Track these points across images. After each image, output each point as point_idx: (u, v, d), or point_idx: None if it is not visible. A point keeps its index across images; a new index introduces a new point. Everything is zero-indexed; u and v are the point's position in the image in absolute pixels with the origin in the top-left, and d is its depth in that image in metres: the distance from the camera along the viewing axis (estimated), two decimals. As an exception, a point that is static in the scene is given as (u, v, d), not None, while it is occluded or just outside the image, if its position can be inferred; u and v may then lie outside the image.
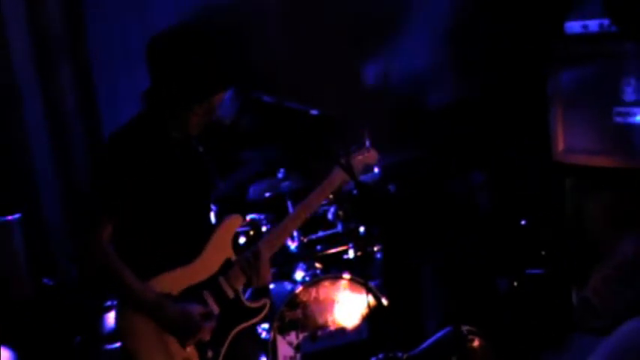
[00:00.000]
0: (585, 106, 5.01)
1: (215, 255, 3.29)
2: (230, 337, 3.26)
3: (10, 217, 4.46)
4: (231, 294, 3.28)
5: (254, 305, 3.35)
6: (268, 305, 3.38)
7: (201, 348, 3.18)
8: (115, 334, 3.21)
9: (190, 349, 3.16)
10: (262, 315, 3.36)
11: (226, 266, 3.30)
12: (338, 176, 3.56)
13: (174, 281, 3.17)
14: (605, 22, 4.88)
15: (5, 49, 4.81)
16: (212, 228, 3.35)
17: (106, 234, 3.08)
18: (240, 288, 3.32)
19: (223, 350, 3.23)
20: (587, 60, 4.99)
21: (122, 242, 3.14)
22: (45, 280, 4.56)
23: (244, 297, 3.34)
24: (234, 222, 3.41)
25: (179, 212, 3.22)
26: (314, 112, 3.44)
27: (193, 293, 3.20)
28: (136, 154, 3.12)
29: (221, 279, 3.28)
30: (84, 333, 4.42)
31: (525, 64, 5.17)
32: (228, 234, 3.36)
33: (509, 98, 5.29)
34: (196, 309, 3.17)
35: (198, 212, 3.34)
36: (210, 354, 3.19)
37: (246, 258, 3.33)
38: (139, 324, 3.11)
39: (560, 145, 5.12)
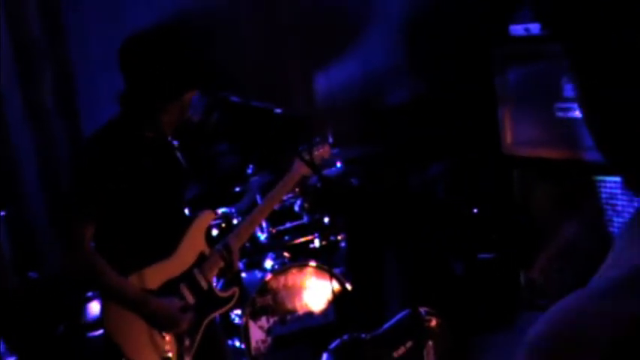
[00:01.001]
0: (530, 103, 5.07)
1: (190, 249, 3.27)
2: (204, 325, 3.24)
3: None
4: (205, 285, 3.27)
5: (225, 294, 3.33)
6: (237, 293, 3.36)
7: (179, 337, 3.17)
8: (99, 324, 3.17)
9: (169, 338, 3.14)
10: (232, 303, 3.35)
11: (200, 259, 3.28)
12: (299, 170, 3.56)
13: (153, 276, 3.14)
14: (547, 24, 4.93)
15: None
16: (186, 223, 3.32)
17: (88, 235, 3.03)
18: (212, 279, 3.30)
19: (198, 337, 3.21)
20: (530, 60, 5.05)
21: (102, 240, 3.10)
22: (30, 274, 4.51)
23: (216, 287, 3.32)
24: (206, 217, 3.38)
25: (156, 210, 3.18)
26: (278, 110, 3.43)
27: (171, 287, 3.18)
28: (113, 156, 3.06)
29: (196, 271, 3.26)
30: (67, 322, 4.38)
31: (474, 64, 5.20)
32: (202, 229, 3.34)
33: (461, 96, 5.33)
34: (176, 303, 3.15)
35: (173, 209, 3.32)
36: (187, 342, 3.18)
37: (218, 251, 3.31)
38: (123, 315, 3.08)
39: (509, 139, 5.17)
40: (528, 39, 5.01)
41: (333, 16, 5.45)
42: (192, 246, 3.27)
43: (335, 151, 4.07)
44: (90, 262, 3.03)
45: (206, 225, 3.37)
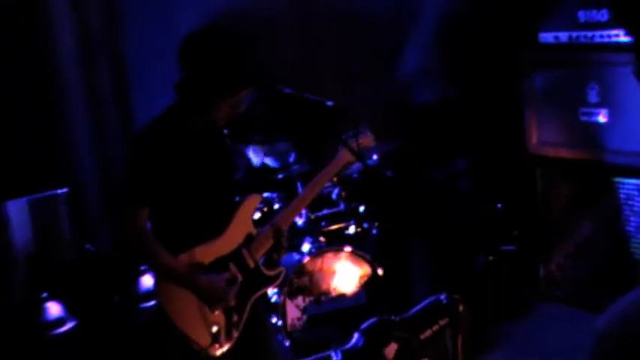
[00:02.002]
0: (555, 106, 5.03)
1: (238, 230, 3.24)
2: (251, 302, 3.21)
3: (58, 191, 4.41)
4: (252, 264, 3.23)
5: (271, 273, 3.30)
6: (284, 273, 3.33)
7: (227, 312, 3.14)
8: (152, 296, 3.14)
9: (218, 313, 3.11)
10: (278, 281, 3.31)
11: (248, 240, 3.25)
12: (343, 158, 3.51)
13: (203, 254, 3.11)
14: (574, 34, 4.86)
15: (53, 44, 4.71)
16: (235, 206, 3.29)
17: (143, 217, 3.01)
18: (259, 258, 3.27)
19: (246, 313, 3.18)
20: (558, 66, 5.00)
21: (157, 221, 3.08)
22: (87, 247, 4.51)
23: (263, 267, 3.29)
24: (254, 201, 3.35)
25: (206, 193, 3.15)
26: (329, 103, 3.37)
27: (220, 265, 3.15)
28: (167, 142, 3.04)
29: (244, 251, 3.23)
30: (121, 292, 4.38)
31: (505, 68, 5.13)
32: (249, 211, 3.30)
33: (490, 98, 5.26)
34: (223, 280, 3.12)
35: (223, 193, 3.27)
36: (235, 317, 3.15)
37: (267, 232, 3.28)
38: (174, 290, 3.06)
39: (533, 139, 5.12)
40: (557, 47, 4.95)
41: (367, 17, 5.39)
42: (240, 227, 3.24)
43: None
44: (142, 242, 3.01)
45: (253, 208, 3.33)
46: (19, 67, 4.54)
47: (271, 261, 3.32)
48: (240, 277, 3.19)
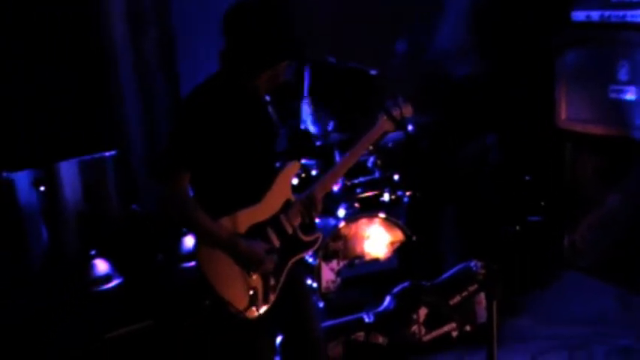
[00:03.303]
0: (585, 83, 4.73)
1: (277, 197, 2.98)
2: (288, 266, 2.97)
3: (106, 154, 4.19)
4: (290, 230, 2.98)
5: (309, 239, 3.04)
6: (321, 238, 3.08)
7: (265, 276, 2.90)
8: (193, 258, 2.90)
9: (256, 277, 2.87)
10: (315, 247, 3.06)
11: (286, 206, 2.99)
12: (382, 126, 3.21)
13: (242, 219, 2.87)
14: (606, 13, 4.55)
15: (106, 17, 4.50)
16: (274, 173, 3.04)
17: (185, 182, 2.77)
18: (297, 224, 3.01)
19: (283, 277, 2.95)
20: (589, 44, 4.70)
21: (199, 186, 2.84)
22: (133, 207, 4.31)
23: (300, 232, 3.04)
24: (293, 168, 3.08)
25: (247, 159, 2.90)
26: (373, 72, 3.08)
27: (259, 230, 2.90)
28: (211, 108, 2.79)
29: (282, 217, 2.97)
30: (165, 252, 4.16)
31: (538, 45, 4.82)
32: (288, 178, 3.05)
33: (522, 73, 4.96)
34: (262, 246, 2.88)
35: (263, 159, 3.02)
36: (272, 281, 2.91)
37: (302, 199, 3.03)
38: (214, 254, 2.83)
39: (563, 114, 4.84)
40: (588, 25, 4.65)
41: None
42: (279, 193, 2.99)
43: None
44: (184, 207, 2.77)
45: (292, 175, 3.07)
46: (71, 34, 4.31)
47: (308, 226, 3.06)
48: (277, 243, 2.94)
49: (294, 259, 2.99)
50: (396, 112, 3.15)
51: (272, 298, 2.91)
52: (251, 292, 2.84)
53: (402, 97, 3.25)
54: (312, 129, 4.35)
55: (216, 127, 2.78)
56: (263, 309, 2.87)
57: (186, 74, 4.72)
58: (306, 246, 3.04)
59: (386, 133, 3.23)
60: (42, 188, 3.78)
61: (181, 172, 2.77)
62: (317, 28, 4.74)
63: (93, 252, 4.01)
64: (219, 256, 2.82)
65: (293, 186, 3.12)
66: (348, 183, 4.30)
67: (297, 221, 3.01)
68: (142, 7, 4.65)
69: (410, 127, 4.23)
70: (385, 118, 3.15)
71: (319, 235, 3.06)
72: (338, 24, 4.93)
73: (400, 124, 3.12)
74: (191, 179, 2.80)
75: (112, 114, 4.48)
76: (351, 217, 4.16)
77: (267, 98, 3.08)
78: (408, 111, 3.25)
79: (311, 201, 3.02)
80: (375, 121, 3.21)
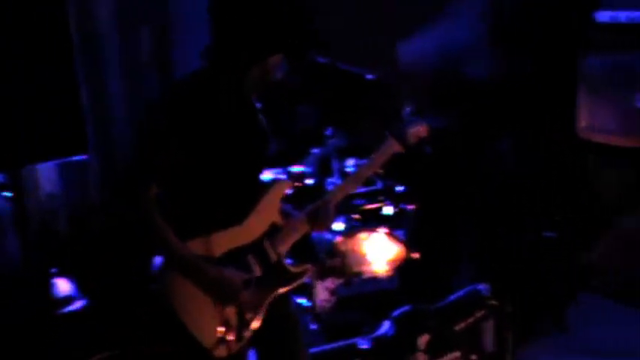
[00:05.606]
0: (610, 90, 4.32)
1: (262, 218, 2.58)
2: (269, 300, 2.57)
3: (86, 157, 3.81)
4: (274, 258, 2.59)
5: (296, 270, 2.64)
6: (310, 271, 2.68)
7: (240, 311, 2.50)
8: (158, 289, 2.50)
9: (229, 310, 2.48)
10: (301, 280, 2.64)
11: (272, 230, 2.61)
12: (392, 147, 2.77)
13: (219, 242, 2.48)
14: (634, 14, 4.14)
15: (93, 3, 4.12)
16: (261, 190, 2.64)
17: (151, 192, 2.39)
18: (284, 252, 2.62)
19: (261, 313, 2.55)
20: (615, 48, 4.29)
21: (169, 200, 2.45)
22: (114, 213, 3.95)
23: (286, 262, 2.65)
24: (282, 186, 2.69)
25: (229, 172, 2.49)
26: (370, 76, 2.67)
27: (237, 256, 2.51)
28: (185, 108, 2.38)
29: (266, 242, 2.59)
30: (134, 272, 3.77)
31: (559, 47, 4.41)
32: (276, 198, 2.64)
33: (541, 78, 4.55)
34: (238, 274, 2.48)
35: (248, 173, 2.60)
36: (249, 316, 2.52)
37: (292, 223, 2.65)
38: (181, 280, 2.44)
39: (583, 123, 4.44)
40: (614, 26, 4.24)
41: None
42: (264, 215, 2.60)
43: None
44: (148, 218, 2.38)
45: (281, 194, 2.67)
46: (58, 30, 3.94)
47: (302, 255, 2.68)
48: (259, 272, 2.56)
49: (276, 292, 2.59)
50: (410, 132, 2.73)
51: (247, 335, 2.51)
52: (221, 328, 2.46)
53: (415, 111, 2.81)
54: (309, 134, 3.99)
55: (190, 131, 2.38)
56: (235, 349, 2.48)
57: (182, 69, 4.28)
58: (293, 278, 2.63)
59: (396, 154, 2.82)
60: (6, 194, 3.40)
61: (146, 186, 2.37)
62: (324, 30, 4.39)
63: (54, 270, 3.59)
64: (188, 283, 2.43)
65: (286, 196, 2.74)
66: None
67: (283, 248, 2.62)
68: (134, 3, 4.27)
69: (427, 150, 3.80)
70: (394, 139, 2.74)
71: (308, 266, 2.66)
72: (346, 26, 4.56)
73: (412, 148, 2.68)
74: (162, 193, 2.41)
75: (95, 112, 4.11)
76: (348, 232, 3.79)
77: (259, 106, 2.69)
78: (423, 130, 2.80)
79: (326, 209, 2.65)
80: (383, 140, 2.78)
